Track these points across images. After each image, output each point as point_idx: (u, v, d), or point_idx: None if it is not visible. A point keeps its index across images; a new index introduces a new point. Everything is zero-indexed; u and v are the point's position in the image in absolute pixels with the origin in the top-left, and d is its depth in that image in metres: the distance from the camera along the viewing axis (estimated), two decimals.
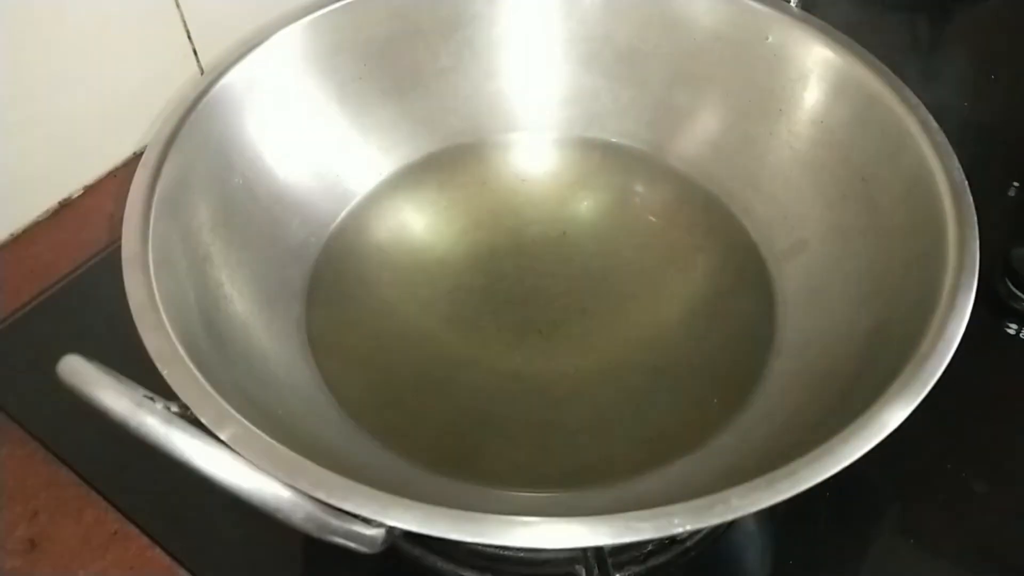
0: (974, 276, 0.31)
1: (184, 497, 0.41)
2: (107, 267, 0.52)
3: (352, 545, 0.23)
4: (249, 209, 0.40)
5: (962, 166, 0.52)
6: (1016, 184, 0.54)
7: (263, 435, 0.26)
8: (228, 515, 0.41)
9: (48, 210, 0.57)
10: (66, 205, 0.57)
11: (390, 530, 0.24)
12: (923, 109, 0.36)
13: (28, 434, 0.44)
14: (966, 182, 0.34)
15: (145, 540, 0.40)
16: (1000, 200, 0.54)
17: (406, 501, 0.24)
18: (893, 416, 0.27)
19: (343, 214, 0.44)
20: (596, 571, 0.35)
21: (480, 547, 0.38)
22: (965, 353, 0.46)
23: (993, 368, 0.46)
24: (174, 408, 0.24)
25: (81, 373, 0.19)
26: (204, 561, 0.39)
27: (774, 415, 0.34)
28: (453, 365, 0.40)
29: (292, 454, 0.25)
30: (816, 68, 0.41)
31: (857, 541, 0.40)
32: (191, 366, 0.28)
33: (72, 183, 0.57)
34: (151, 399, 0.22)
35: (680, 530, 0.24)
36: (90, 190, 0.58)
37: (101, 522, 0.41)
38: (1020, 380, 0.45)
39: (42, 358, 0.45)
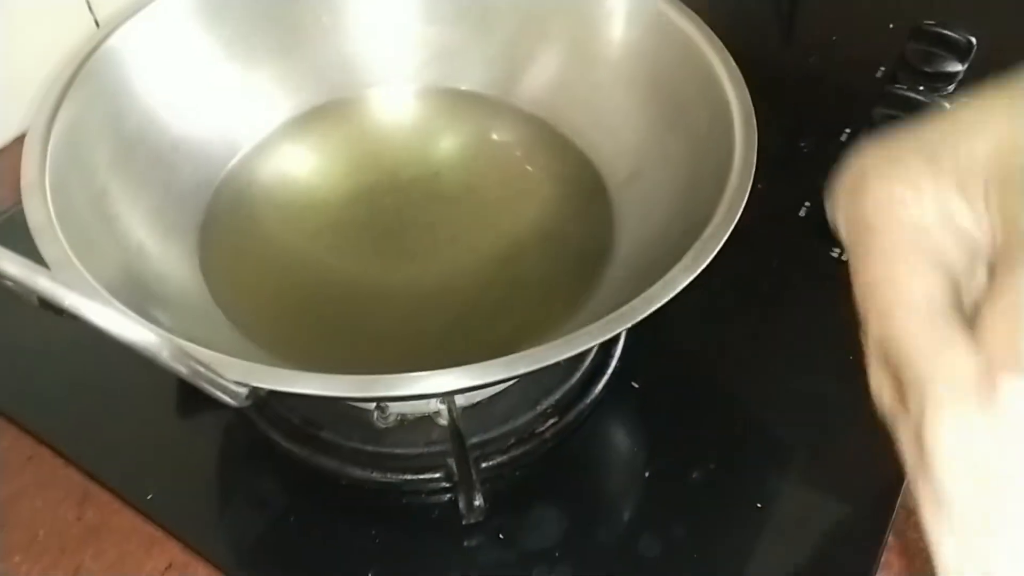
0: (748, 182, 0.37)
1: (94, 422, 0.45)
2: (14, 224, 0.55)
3: (221, 396, 0.28)
4: (144, 154, 0.44)
5: (804, 116, 0.59)
6: (848, 130, 0.61)
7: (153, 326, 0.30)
8: (136, 436, 0.45)
9: None
10: None
11: (254, 389, 0.29)
12: (725, 51, 0.42)
13: None
14: (752, 107, 0.40)
15: (59, 461, 0.44)
16: (833, 144, 0.61)
17: (263, 366, 0.29)
18: (674, 286, 0.32)
19: (233, 161, 0.48)
20: (458, 459, 0.40)
21: (361, 445, 0.43)
22: (796, 273, 0.53)
23: (820, 284, 0.52)
24: None
25: None
26: (114, 474, 0.43)
27: (606, 310, 0.40)
28: (334, 285, 0.44)
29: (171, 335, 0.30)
30: (643, 20, 0.47)
31: (693, 431, 0.45)
32: (85, 273, 0.32)
33: None
34: None
35: (495, 379, 0.29)
36: None
37: (16, 448, 0.45)
38: (840, 293, 0.52)
39: None
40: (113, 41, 0.42)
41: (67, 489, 0.43)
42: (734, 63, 0.42)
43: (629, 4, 0.47)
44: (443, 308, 0.44)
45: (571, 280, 0.43)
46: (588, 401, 0.45)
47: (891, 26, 0.71)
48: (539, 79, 0.51)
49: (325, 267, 0.45)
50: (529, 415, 0.44)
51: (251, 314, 0.42)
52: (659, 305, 0.31)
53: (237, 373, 0.29)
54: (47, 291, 0.23)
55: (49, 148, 0.37)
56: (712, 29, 0.45)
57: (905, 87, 0.61)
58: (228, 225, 0.45)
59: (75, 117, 0.39)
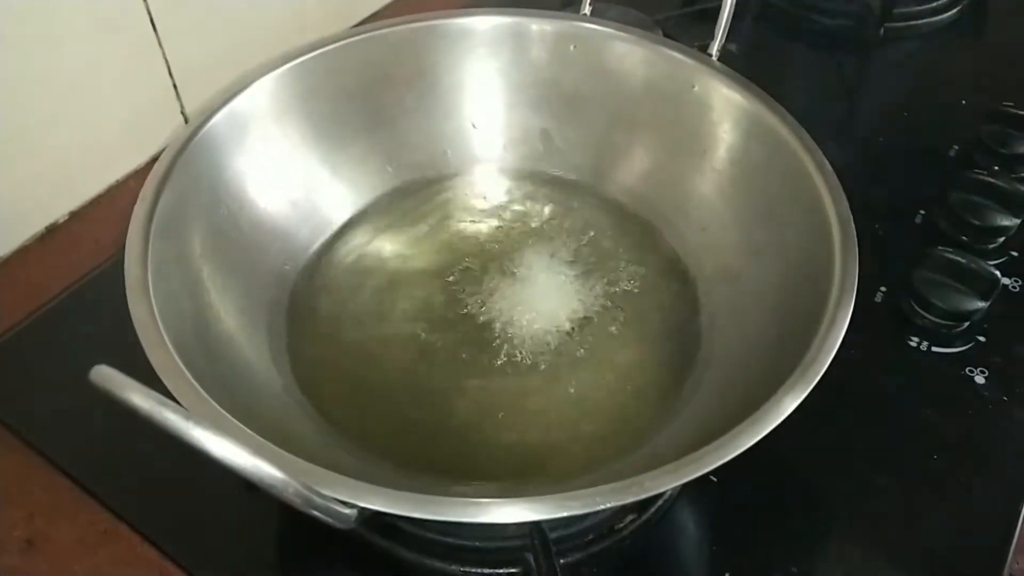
0: (852, 296, 0.36)
1: (170, 498, 0.45)
2: (95, 288, 0.55)
3: (330, 520, 0.28)
4: (234, 238, 0.44)
5: (876, 195, 0.58)
6: (923, 212, 0.60)
7: (256, 435, 0.31)
8: (211, 513, 0.45)
9: (36, 234, 0.60)
10: (53, 230, 0.61)
11: (362, 510, 0.29)
12: (819, 153, 0.42)
13: (25, 442, 0.47)
14: (851, 217, 0.40)
15: (136, 538, 0.44)
16: (908, 226, 0.60)
17: (375, 487, 0.29)
18: (781, 410, 0.32)
19: (319, 242, 0.49)
20: (541, 556, 0.39)
21: (441, 537, 0.42)
22: (875, 364, 0.52)
23: (899, 376, 0.51)
24: None
25: (112, 378, 0.23)
26: (189, 555, 0.43)
27: (698, 418, 0.39)
28: (417, 377, 0.44)
29: (282, 451, 0.30)
30: (733, 114, 0.47)
31: (774, 529, 0.44)
32: (189, 377, 0.33)
33: (58, 209, 0.61)
34: None
35: (604, 507, 0.29)
36: (75, 215, 0.61)
37: (94, 523, 0.45)
38: (921, 385, 0.51)
39: (38, 373, 0.50)
40: (207, 129, 0.43)
41: (144, 567, 0.43)
42: (830, 167, 0.41)
43: (723, 101, 0.47)
44: (526, 407, 0.43)
45: (661, 381, 0.43)
46: (667, 496, 0.44)
47: (963, 102, 0.70)
48: (629, 169, 0.51)
49: (407, 359, 0.45)
50: (608, 512, 0.43)
51: (335, 403, 0.42)
52: (758, 439, 0.31)
53: (345, 492, 0.29)
54: (174, 426, 0.23)
55: (150, 241, 0.37)
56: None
57: (981, 170, 0.60)
58: (313, 311, 0.46)
59: (172, 207, 0.40)
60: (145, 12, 0.57)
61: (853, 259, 0.37)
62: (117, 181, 0.63)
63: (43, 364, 0.51)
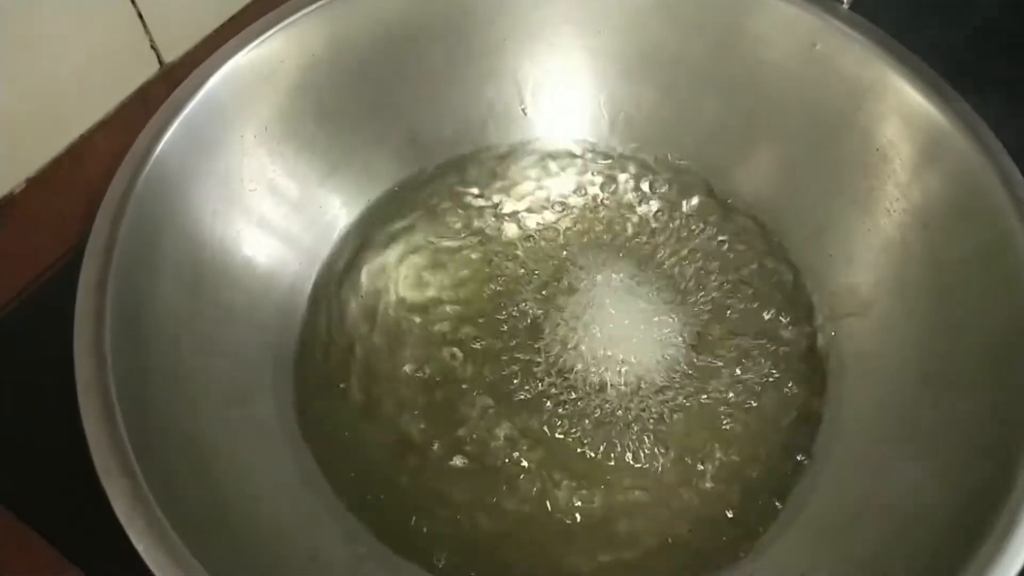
0: None
1: None
2: (59, 285, 0.46)
3: None
4: (217, 286, 0.35)
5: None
6: None
7: None
8: None
9: None
10: (7, 204, 0.51)
11: None
12: (1005, 156, 0.31)
13: None
14: None
15: None
16: None
17: None
18: None
19: (326, 255, 0.39)
20: None
21: None
22: None
23: None
24: None
25: None
26: None
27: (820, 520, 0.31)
28: (447, 473, 0.35)
29: None
30: (872, 87, 0.35)
31: None
32: (169, 531, 0.24)
33: (11, 177, 0.51)
34: None
35: None
36: (33, 183, 0.52)
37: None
38: None
39: None
40: (165, 145, 0.33)
41: None
42: (1021, 178, 0.30)
43: (857, 68, 0.35)
44: (596, 499, 0.34)
45: (773, 456, 0.34)
46: None
47: None
48: (723, 151, 0.40)
49: (442, 419, 0.36)
50: None
51: (359, 490, 0.34)
52: None
53: None
54: None
55: (107, 328, 0.27)
56: None
57: None
58: (327, 377, 0.36)
59: (132, 262, 0.31)
60: None
61: None
62: (81, 135, 0.53)
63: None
